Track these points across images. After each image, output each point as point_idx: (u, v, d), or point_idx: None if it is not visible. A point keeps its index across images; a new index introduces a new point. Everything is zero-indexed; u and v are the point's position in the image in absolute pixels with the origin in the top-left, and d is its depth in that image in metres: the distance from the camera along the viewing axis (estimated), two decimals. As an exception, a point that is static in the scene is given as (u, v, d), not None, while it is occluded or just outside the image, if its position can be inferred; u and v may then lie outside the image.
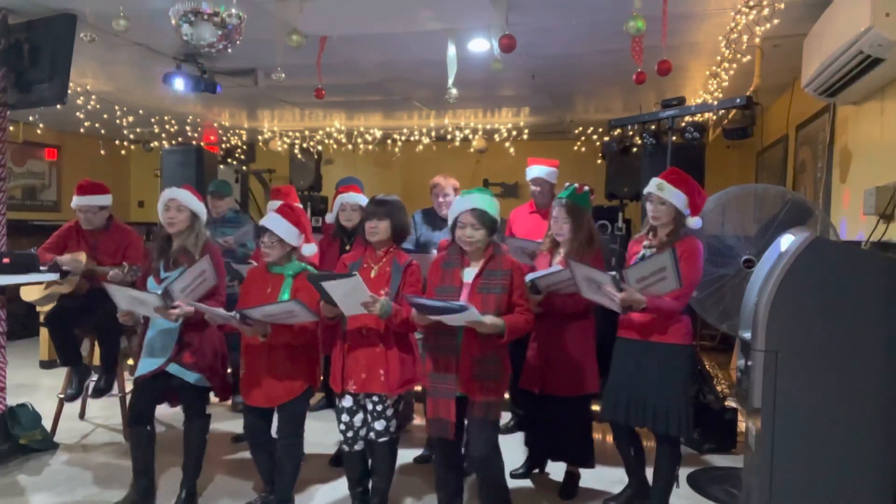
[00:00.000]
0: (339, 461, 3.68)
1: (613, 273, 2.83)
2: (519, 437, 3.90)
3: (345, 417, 3.06)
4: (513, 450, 3.77)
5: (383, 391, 2.97)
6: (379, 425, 3.02)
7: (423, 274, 3.13)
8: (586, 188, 3.33)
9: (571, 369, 3.28)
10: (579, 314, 3.29)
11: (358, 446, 3.08)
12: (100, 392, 4.27)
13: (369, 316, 2.88)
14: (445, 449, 2.93)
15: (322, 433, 4.36)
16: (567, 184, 3.39)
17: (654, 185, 2.98)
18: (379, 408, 3.01)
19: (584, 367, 3.30)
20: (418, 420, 4.66)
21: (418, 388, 3.84)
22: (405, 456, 3.98)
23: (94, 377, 4.37)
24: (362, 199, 3.84)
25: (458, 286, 2.80)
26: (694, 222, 2.99)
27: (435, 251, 3.77)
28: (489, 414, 2.83)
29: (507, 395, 3.20)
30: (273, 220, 3.06)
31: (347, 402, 3.05)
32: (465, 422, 2.90)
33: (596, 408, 3.44)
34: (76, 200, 4.09)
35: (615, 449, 3.33)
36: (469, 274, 2.82)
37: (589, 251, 3.22)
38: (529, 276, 3.21)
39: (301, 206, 3.82)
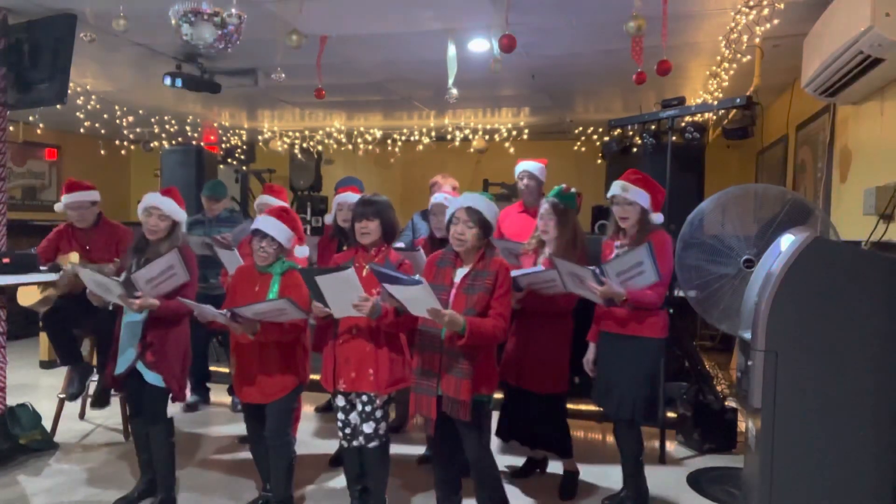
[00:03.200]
0: (339, 461, 3.69)
1: (593, 268, 2.97)
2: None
3: (340, 415, 3.08)
4: (513, 449, 3.77)
5: (372, 390, 2.97)
6: (368, 428, 3.00)
7: (415, 273, 3.13)
8: (573, 190, 3.43)
9: (545, 369, 3.36)
10: (557, 315, 3.38)
11: (356, 442, 3.07)
12: (98, 398, 4.30)
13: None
14: (439, 447, 2.93)
15: (322, 433, 4.36)
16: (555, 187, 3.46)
17: (619, 188, 3.12)
18: (368, 408, 3.00)
19: (557, 367, 3.38)
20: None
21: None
22: (405, 456, 3.98)
23: (95, 376, 4.37)
24: None
25: (449, 285, 2.80)
26: (657, 217, 3.16)
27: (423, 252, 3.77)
28: (473, 414, 2.74)
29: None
30: (273, 226, 3.04)
31: (341, 401, 3.06)
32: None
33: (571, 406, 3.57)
34: (66, 199, 4.02)
35: (614, 448, 3.33)
36: (460, 274, 2.83)
37: (573, 251, 3.29)
38: (513, 273, 3.22)
39: (289, 206, 3.84)
